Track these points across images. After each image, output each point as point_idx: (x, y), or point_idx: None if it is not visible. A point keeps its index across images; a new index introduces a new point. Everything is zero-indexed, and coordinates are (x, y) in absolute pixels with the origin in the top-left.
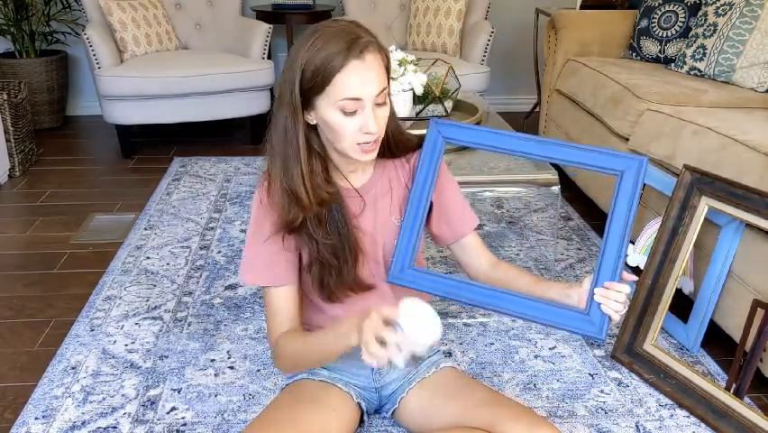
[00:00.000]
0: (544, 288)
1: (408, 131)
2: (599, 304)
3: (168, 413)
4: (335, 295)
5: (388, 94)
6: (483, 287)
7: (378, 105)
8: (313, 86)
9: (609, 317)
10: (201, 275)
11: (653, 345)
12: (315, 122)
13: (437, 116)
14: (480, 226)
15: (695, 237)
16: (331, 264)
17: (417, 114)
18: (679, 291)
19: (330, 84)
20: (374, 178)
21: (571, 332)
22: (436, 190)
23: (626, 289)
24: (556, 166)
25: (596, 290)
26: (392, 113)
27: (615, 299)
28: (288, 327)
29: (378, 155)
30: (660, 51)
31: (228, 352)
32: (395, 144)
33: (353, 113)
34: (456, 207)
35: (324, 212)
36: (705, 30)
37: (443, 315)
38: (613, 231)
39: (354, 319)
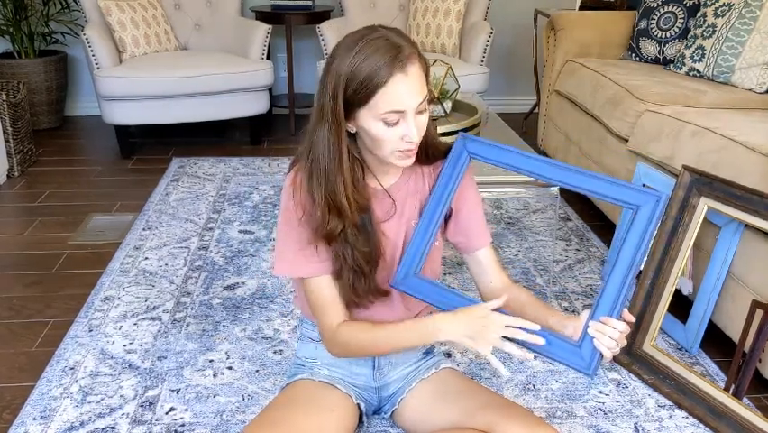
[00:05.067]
0: (546, 315)
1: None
2: (592, 339)
3: (166, 414)
4: (362, 301)
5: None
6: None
7: (419, 112)
8: (356, 99)
9: (601, 353)
10: (200, 276)
11: (652, 345)
12: (354, 130)
13: (433, 115)
14: None
15: (694, 238)
16: (363, 271)
17: None
18: (678, 292)
19: (373, 98)
20: (402, 180)
21: (559, 363)
22: (460, 199)
23: (622, 327)
24: None
25: (590, 323)
26: (429, 119)
27: (609, 336)
28: (342, 313)
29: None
30: (659, 52)
31: (227, 352)
32: (431, 150)
33: (395, 123)
34: (476, 219)
35: (361, 219)
36: (704, 31)
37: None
38: (619, 266)
39: (438, 316)
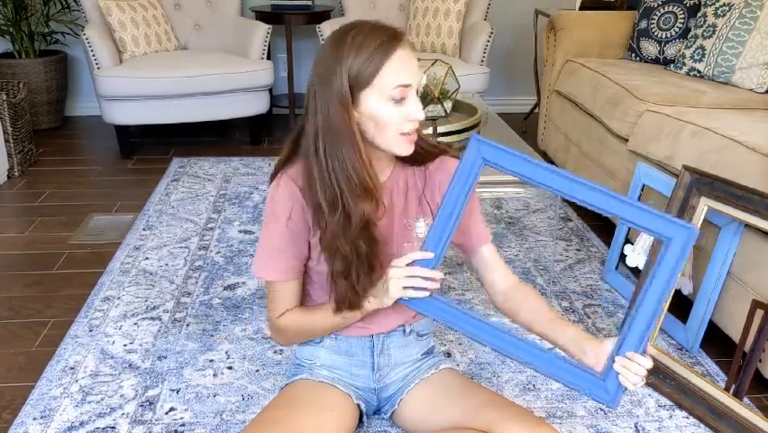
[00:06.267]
0: (561, 329)
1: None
2: (617, 374)
3: (166, 414)
4: (351, 303)
5: None
6: (494, 328)
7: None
8: (361, 79)
9: (625, 387)
10: (200, 276)
11: (653, 345)
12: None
13: (433, 115)
14: None
15: None
16: (360, 270)
17: None
18: (678, 292)
19: (378, 75)
20: (391, 179)
21: (583, 393)
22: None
23: (649, 364)
24: (554, 165)
25: (617, 359)
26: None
27: (635, 372)
28: (290, 308)
29: (399, 160)
30: (659, 52)
31: (227, 352)
32: (420, 149)
33: (401, 101)
34: (475, 217)
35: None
36: (704, 31)
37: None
38: (648, 300)
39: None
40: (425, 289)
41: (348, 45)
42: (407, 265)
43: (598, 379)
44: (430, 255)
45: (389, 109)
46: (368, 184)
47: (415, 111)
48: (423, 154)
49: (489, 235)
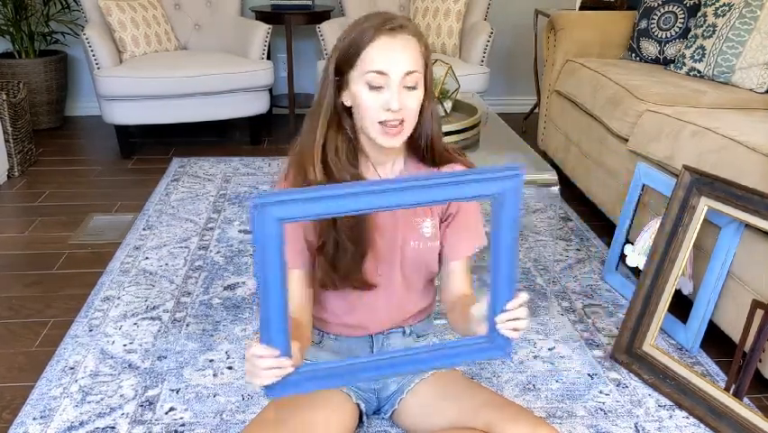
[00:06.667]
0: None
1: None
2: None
3: (166, 414)
4: (340, 281)
5: (427, 91)
6: (371, 360)
7: (407, 88)
8: (346, 60)
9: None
10: (200, 275)
11: (653, 345)
12: (350, 102)
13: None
14: None
15: (694, 238)
16: (346, 246)
17: None
18: (678, 292)
19: (359, 57)
20: (403, 174)
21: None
22: (455, 205)
23: (525, 298)
24: (554, 165)
25: (496, 319)
26: (435, 116)
27: (516, 317)
28: (295, 313)
29: (415, 158)
30: (659, 52)
31: (227, 352)
32: (437, 153)
33: (379, 88)
34: (466, 231)
35: None
36: (704, 31)
37: (441, 314)
38: (502, 258)
39: None
40: (276, 376)
41: (348, 29)
42: (258, 357)
43: (486, 343)
44: (276, 353)
45: (366, 93)
46: (306, 166)
47: (390, 100)
48: (434, 155)
49: (467, 252)
